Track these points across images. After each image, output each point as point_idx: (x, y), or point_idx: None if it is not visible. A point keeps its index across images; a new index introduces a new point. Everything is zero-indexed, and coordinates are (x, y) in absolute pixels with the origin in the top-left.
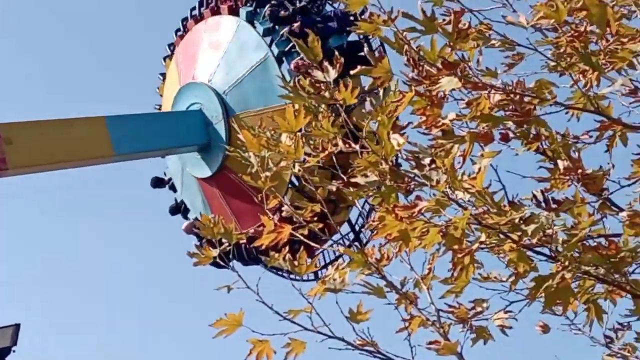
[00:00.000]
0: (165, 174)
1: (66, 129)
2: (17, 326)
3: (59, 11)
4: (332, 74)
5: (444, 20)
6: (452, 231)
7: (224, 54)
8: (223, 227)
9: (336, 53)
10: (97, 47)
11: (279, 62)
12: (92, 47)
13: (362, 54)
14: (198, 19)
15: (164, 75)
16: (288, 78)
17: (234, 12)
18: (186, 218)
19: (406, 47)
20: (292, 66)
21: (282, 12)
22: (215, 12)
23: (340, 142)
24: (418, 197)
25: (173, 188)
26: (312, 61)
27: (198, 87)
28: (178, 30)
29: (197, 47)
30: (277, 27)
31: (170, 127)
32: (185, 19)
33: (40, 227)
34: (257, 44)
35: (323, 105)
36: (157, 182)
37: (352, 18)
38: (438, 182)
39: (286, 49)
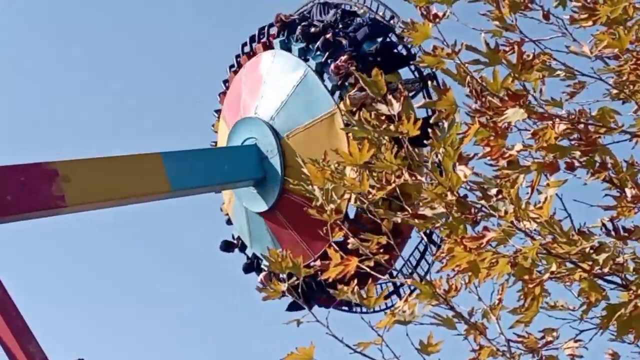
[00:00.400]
0: (233, 236)
1: (123, 165)
2: None
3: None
4: (396, 107)
5: (504, 51)
6: (522, 261)
7: (266, 85)
8: (291, 261)
9: (400, 87)
10: (153, 82)
11: (319, 75)
12: (148, 82)
13: (395, 51)
14: (250, 54)
15: (218, 112)
16: (330, 86)
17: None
18: (259, 272)
19: (468, 78)
20: (331, 69)
21: (313, 29)
22: (268, 47)
23: (406, 175)
24: (485, 228)
25: (243, 248)
26: (376, 95)
27: (252, 122)
28: (232, 66)
29: (240, 85)
30: (310, 45)
31: (226, 162)
32: (238, 56)
33: (106, 261)
34: (295, 65)
35: (386, 138)
36: (227, 246)
37: (382, 24)
38: (506, 212)
39: (322, 60)
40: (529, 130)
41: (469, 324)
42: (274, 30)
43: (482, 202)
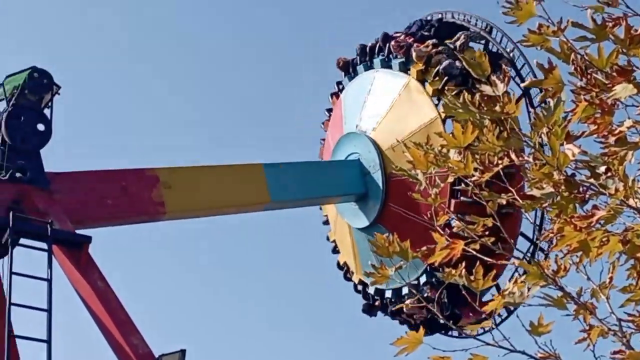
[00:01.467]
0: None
1: (224, 175)
2: (183, 352)
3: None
4: (501, 87)
5: (610, 26)
6: (634, 238)
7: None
8: (398, 245)
9: (503, 67)
10: (259, 93)
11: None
12: (253, 93)
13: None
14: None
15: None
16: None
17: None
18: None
19: (573, 56)
20: (392, 45)
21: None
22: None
23: (513, 155)
24: (595, 207)
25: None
26: (480, 76)
27: (357, 137)
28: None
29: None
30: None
31: (327, 176)
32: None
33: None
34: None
35: (487, 120)
36: (369, 309)
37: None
38: (616, 190)
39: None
40: (637, 106)
41: (578, 304)
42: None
43: (591, 180)
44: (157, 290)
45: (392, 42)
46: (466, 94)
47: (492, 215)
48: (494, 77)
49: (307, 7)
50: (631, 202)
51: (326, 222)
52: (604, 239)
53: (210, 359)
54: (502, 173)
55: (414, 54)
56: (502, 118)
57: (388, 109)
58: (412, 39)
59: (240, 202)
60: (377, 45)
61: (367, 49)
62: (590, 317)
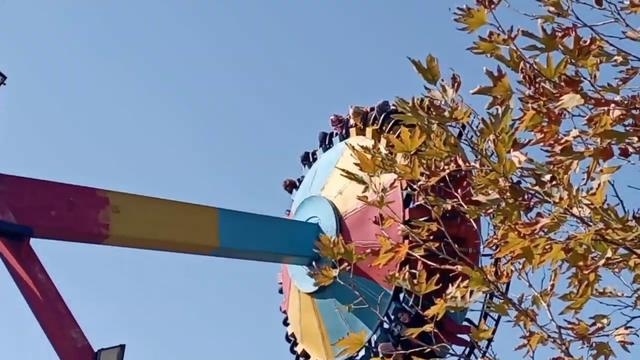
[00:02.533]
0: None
1: (176, 210)
2: (122, 347)
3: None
4: (450, 93)
5: (559, 36)
6: (576, 247)
7: (335, 168)
8: (343, 247)
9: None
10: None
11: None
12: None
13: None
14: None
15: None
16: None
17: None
18: None
19: (522, 64)
20: (330, 119)
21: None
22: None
23: (460, 161)
24: (539, 214)
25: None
26: (430, 81)
27: (320, 201)
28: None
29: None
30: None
31: (283, 233)
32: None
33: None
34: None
35: (435, 125)
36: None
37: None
38: (560, 198)
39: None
40: (583, 117)
41: (519, 310)
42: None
43: (536, 188)
44: (98, 284)
45: (332, 116)
46: (415, 98)
47: (437, 220)
48: (443, 83)
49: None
50: (575, 210)
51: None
52: (546, 247)
53: (150, 356)
54: (447, 177)
55: (350, 111)
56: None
57: (333, 171)
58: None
59: (186, 241)
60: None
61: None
62: (531, 324)
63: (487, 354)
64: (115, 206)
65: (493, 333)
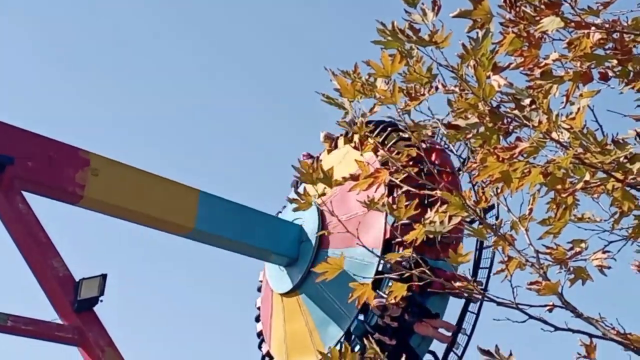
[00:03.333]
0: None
1: (156, 184)
2: (103, 276)
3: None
4: (430, 16)
5: None
6: (555, 171)
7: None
8: (322, 172)
9: None
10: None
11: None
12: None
13: None
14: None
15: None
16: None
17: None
18: None
19: None
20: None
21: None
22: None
23: (440, 86)
24: (518, 139)
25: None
26: (411, 5)
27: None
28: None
29: None
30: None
31: (264, 228)
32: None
33: None
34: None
35: (416, 50)
36: None
37: None
38: (540, 122)
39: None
40: (563, 40)
41: (497, 236)
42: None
43: (515, 112)
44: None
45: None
46: (395, 22)
47: (417, 146)
48: (423, 7)
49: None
50: (554, 135)
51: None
52: (525, 171)
53: (131, 287)
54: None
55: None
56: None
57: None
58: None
59: (162, 217)
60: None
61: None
62: (509, 249)
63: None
64: (94, 169)
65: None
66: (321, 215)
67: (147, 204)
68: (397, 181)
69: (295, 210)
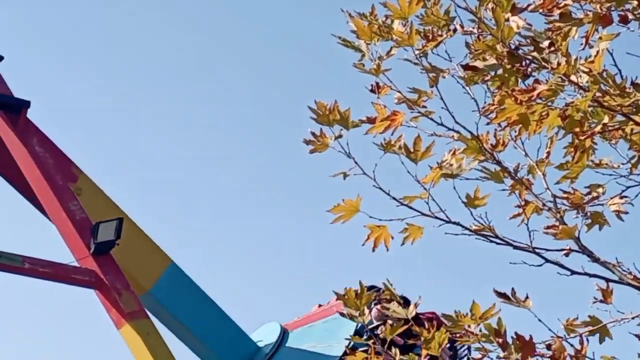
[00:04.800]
0: None
1: (133, 234)
2: (120, 220)
3: None
4: None
5: None
6: (573, 113)
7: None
8: (339, 113)
9: None
10: None
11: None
12: None
13: None
14: None
15: None
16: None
17: None
18: None
19: None
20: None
21: None
22: None
23: (458, 27)
24: (536, 81)
25: None
26: None
27: (275, 328)
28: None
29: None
30: None
31: (219, 329)
32: None
33: None
34: None
35: None
36: None
37: None
38: (559, 65)
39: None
40: None
41: (515, 180)
42: None
43: (534, 54)
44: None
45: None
46: None
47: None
48: None
49: None
50: (573, 78)
51: None
52: (543, 113)
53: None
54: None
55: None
56: None
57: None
58: None
59: (122, 264)
60: None
61: None
62: (526, 193)
63: (482, 222)
64: (79, 188)
65: None
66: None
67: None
68: (415, 125)
69: (311, 152)
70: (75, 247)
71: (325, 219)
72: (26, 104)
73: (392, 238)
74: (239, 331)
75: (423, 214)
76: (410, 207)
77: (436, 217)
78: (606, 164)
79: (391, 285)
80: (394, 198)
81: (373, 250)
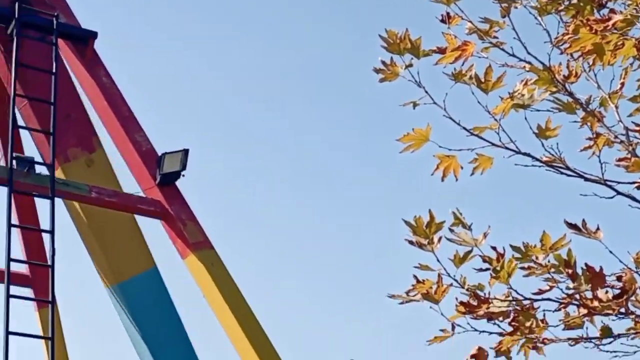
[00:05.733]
0: None
1: (125, 229)
2: (185, 151)
3: None
4: None
5: None
6: None
7: None
8: (410, 42)
9: None
10: None
11: None
12: None
13: None
14: None
15: None
16: None
17: None
18: None
19: None
20: None
21: None
22: None
23: None
24: (612, 11)
25: None
26: None
27: None
28: None
29: None
30: None
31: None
32: None
33: None
34: None
35: None
36: None
37: None
38: None
39: None
40: None
41: (587, 111)
42: None
43: None
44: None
45: None
46: None
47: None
48: None
49: None
50: None
51: None
52: (618, 44)
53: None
54: None
55: None
56: None
57: None
58: None
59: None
60: None
61: None
62: (598, 125)
63: (552, 153)
64: (91, 160)
65: None
66: None
67: (99, 233)
68: (486, 55)
69: (381, 81)
70: (141, 178)
71: (395, 148)
72: (94, 35)
73: (462, 168)
74: None
75: (493, 145)
76: (481, 137)
77: (506, 148)
78: None
79: (460, 214)
80: (464, 128)
81: (442, 180)
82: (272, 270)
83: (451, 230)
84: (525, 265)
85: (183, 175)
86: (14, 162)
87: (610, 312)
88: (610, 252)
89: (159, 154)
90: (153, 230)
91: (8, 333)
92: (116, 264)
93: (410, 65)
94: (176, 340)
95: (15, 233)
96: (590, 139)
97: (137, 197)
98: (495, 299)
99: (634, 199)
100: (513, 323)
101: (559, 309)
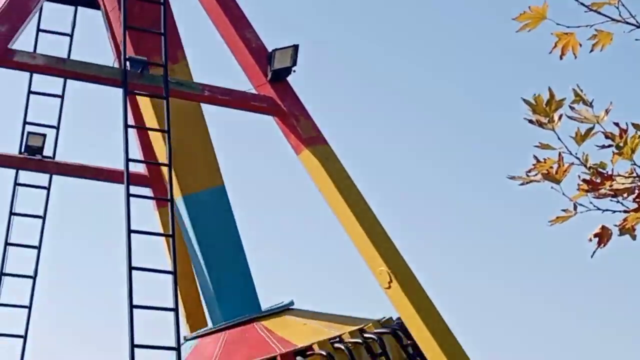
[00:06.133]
0: None
1: (200, 142)
2: (295, 47)
3: None
4: None
5: None
6: None
7: None
8: None
9: None
10: None
11: None
12: None
13: None
14: None
15: None
16: None
17: None
18: None
19: None
20: None
21: None
22: None
23: None
24: None
25: None
26: None
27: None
28: None
29: None
30: None
31: (233, 274)
32: None
33: None
34: None
35: None
36: None
37: None
38: None
39: None
40: None
41: None
42: None
43: None
44: None
45: None
46: None
47: None
48: None
49: None
50: None
51: None
52: None
53: (320, 60)
54: None
55: None
56: None
57: None
58: None
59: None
60: None
61: None
62: None
63: None
64: (172, 69)
65: None
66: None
67: (179, 142)
68: None
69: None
70: (253, 75)
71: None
72: None
73: (580, 45)
74: (249, 286)
75: (613, 19)
76: (599, 13)
77: (627, 22)
78: None
79: (581, 90)
80: (582, 4)
81: (560, 58)
82: (384, 166)
83: (572, 108)
84: None
85: (294, 71)
86: (127, 63)
87: None
88: None
89: (269, 51)
90: (265, 128)
91: (130, 231)
92: (184, 178)
93: None
94: (234, 264)
95: (132, 133)
96: None
97: (250, 94)
98: (619, 175)
99: None
100: (638, 199)
101: None
